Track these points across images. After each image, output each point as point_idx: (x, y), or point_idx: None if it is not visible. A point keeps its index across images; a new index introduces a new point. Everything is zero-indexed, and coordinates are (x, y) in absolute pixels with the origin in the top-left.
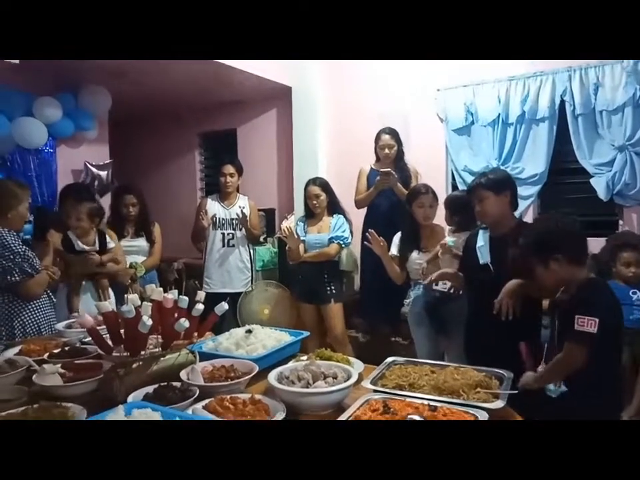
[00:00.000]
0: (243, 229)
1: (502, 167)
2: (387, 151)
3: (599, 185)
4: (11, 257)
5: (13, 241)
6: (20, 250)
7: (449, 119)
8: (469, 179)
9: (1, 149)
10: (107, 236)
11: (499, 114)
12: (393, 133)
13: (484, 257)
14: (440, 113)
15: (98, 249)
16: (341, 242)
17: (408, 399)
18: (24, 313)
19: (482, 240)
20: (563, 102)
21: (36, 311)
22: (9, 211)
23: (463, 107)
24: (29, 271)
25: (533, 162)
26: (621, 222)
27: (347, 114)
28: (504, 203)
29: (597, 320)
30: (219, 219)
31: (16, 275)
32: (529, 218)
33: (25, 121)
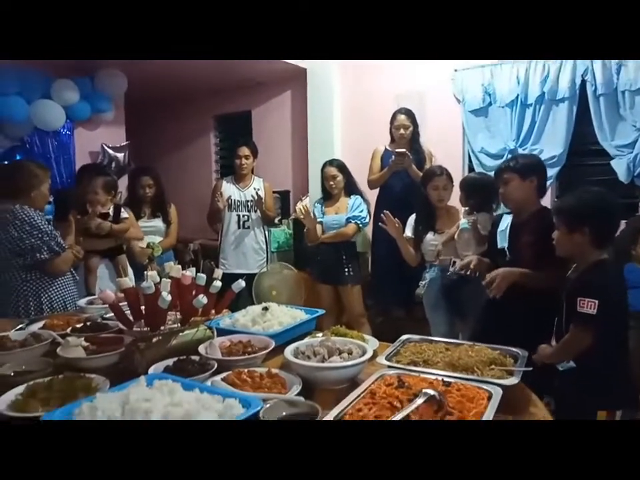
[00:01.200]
0: (258, 211)
1: (520, 149)
2: (402, 131)
3: (620, 167)
4: (39, 235)
5: (41, 220)
6: (47, 229)
7: (466, 100)
8: (486, 160)
9: (20, 131)
10: (122, 209)
11: (518, 95)
12: (409, 114)
13: (502, 241)
14: (457, 94)
15: (112, 218)
16: (359, 222)
17: (422, 375)
18: (51, 289)
19: (504, 224)
20: (583, 82)
21: (62, 288)
22: (31, 190)
23: (480, 87)
24: (57, 249)
25: (551, 144)
26: None
27: (362, 95)
28: (529, 188)
29: (597, 302)
30: (234, 200)
31: (45, 253)
32: (546, 200)
33: (43, 103)
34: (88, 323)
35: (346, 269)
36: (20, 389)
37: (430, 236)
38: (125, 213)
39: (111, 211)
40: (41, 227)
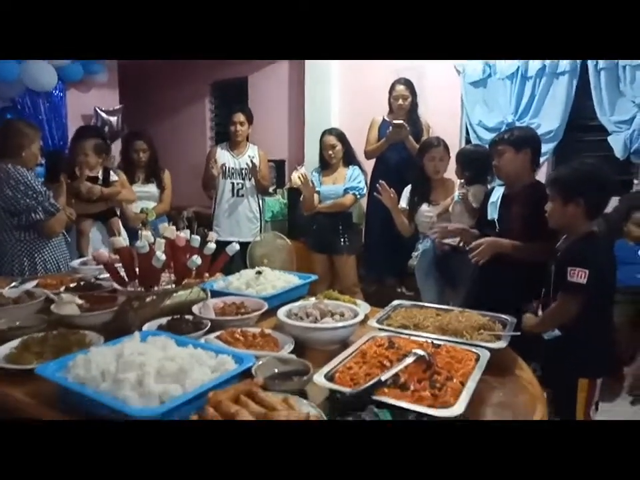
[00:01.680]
0: (253, 179)
1: (518, 123)
2: (400, 101)
3: (617, 143)
4: (34, 195)
5: (35, 180)
6: (42, 189)
7: (466, 71)
8: (483, 134)
9: (10, 92)
10: (111, 172)
11: (519, 67)
12: (408, 84)
13: (492, 212)
14: (457, 65)
15: (102, 182)
16: (356, 193)
17: (412, 337)
18: (45, 250)
19: (495, 196)
20: None
21: (55, 249)
22: (22, 150)
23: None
24: (51, 209)
25: (550, 118)
26: (635, 181)
27: (361, 64)
28: (523, 161)
29: (587, 271)
30: (229, 168)
31: (39, 213)
32: (542, 175)
33: (34, 63)
34: (82, 283)
35: (342, 239)
36: (14, 342)
37: (424, 207)
38: (114, 176)
39: (100, 175)
40: (36, 187)
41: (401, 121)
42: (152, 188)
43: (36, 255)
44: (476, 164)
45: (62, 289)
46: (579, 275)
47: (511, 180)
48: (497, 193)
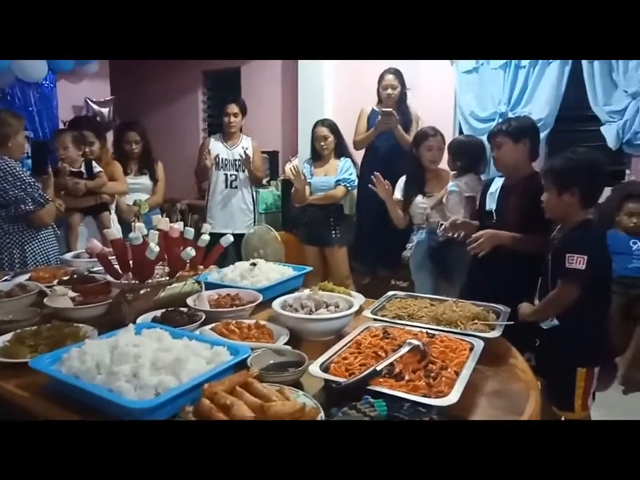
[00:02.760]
0: (246, 171)
1: (511, 113)
2: (389, 91)
3: (610, 133)
4: (22, 186)
5: (23, 172)
6: (30, 180)
7: (459, 61)
8: (476, 124)
9: (0, 82)
10: (92, 163)
11: None
12: (397, 74)
13: (490, 203)
14: None
15: (85, 175)
16: (348, 185)
17: (407, 327)
18: (35, 241)
19: (494, 187)
20: None
21: (45, 241)
22: (7, 140)
23: None
24: (41, 200)
25: (541, 106)
26: (627, 171)
27: None
28: (522, 152)
29: (586, 257)
30: (222, 159)
31: (29, 204)
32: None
33: None
34: (75, 276)
35: (333, 231)
36: (7, 336)
37: (419, 199)
38: (97, 167)
39: (83, 168)
40: (24, 178)
41: (390, 110)
42: (145, 180)
43: (26, 247)
44: (467, 154)
45: (55, 282)
46: (577, 261)
47: (509, 171)
48: (496, 184)
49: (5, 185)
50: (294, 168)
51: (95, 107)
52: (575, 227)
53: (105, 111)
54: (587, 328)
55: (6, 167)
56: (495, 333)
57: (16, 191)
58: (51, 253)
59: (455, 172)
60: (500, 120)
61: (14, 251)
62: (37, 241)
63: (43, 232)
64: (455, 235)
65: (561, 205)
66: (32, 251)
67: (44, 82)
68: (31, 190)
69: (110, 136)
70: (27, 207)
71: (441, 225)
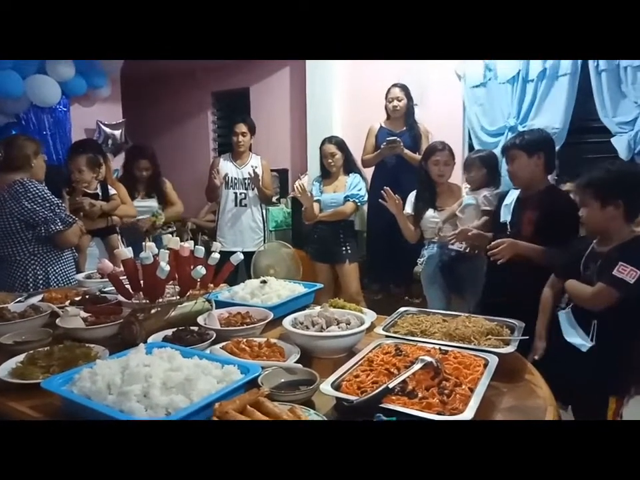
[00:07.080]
0: (256, 189)
1: (520, 127)
2: (395, 102)
3: (620, 144)
4: (51, 207)
5: (49, 193)
6: (57, 201)
7: (466, 76)
8: (485, 138)
9: (15, 107)
10: (108, 186)
11: (519, 70)
12: (403, 87)
13: (504, 215)
14: (458, 70)
15: (101, 197)
16: (357, 200)
17: (419, 344)
18: (58, 263)
19: (509, 199)
20: None
21: (66, 262)
22: (29, 161)
23: (481, 63)
24: (69, 220)
25: (552, 120)
26: None
27: (362, 72)
28: (536, 165)
29: (639, 272)
30: (231, 178)
31: (59, 225)
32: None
33: (38, 78)
34: (87, 296)
35: (343, 248)
36: (20, 357)
37: (430, 213)
38: (112, 190)
39: (99, 191)
40: (52, 199)
41: (395, 137)
42: (152, 203)
43: (49, 269)
44: (487, 168)
45: (67, 302)
46: (629, 273)
47: (524, 184)
48: (512, 196)
49: (34, 206)
50: (300, 186)
51: (107, 129)
52: (630, 240)
53: (117, 133)
54: (623, 354)
55: (34, 189)
56: (510, 349)
57: (45, 212)
58: (70, 274)
59: (468, 186)
60: (510, 133)
61: (38, 272)
62: (60, 262)
63: (65, 253)
64: (464, 246)
65: (605, 219)
66: (54, 272)
67: (57, 106)
68: (59, 211)
69: (121, 158)
70: (57, 227)
71: (452, 236)
